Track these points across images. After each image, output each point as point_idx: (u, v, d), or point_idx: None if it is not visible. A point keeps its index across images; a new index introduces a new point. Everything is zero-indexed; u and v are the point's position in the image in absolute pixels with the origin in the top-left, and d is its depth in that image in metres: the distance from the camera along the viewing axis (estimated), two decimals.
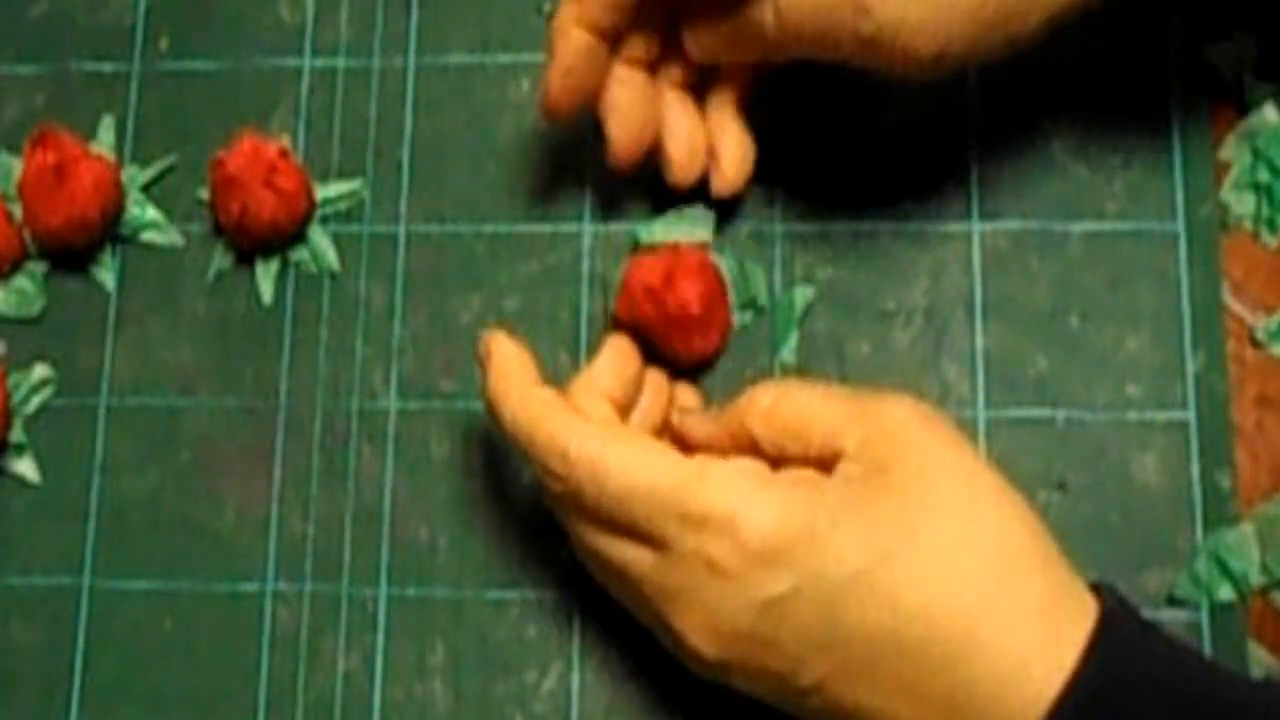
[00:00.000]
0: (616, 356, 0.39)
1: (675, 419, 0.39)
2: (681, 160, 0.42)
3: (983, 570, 0.33)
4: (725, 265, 0.42)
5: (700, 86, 0.42)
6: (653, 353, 0.41)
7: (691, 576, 0.34)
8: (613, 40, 0.40)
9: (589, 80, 0.40)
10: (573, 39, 0.39)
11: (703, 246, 0.42)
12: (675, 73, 0.41)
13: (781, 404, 0.36)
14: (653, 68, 0.41)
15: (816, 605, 0.33)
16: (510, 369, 0.37)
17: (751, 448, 0.36)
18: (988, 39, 0.36)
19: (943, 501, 0.34)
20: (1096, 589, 0.35)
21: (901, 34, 0.35)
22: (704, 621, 0.34)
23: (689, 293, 0.40)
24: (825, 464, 0.35)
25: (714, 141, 0.42)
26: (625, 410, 0.39)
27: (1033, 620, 0.33)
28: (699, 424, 0.38)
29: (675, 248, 0.41)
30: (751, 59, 0.40)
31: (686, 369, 0.42)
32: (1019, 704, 0.32)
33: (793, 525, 0.33)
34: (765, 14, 0.37)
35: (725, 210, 0.43)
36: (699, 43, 0.40)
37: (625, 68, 0.41)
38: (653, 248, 0.42)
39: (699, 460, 0.35)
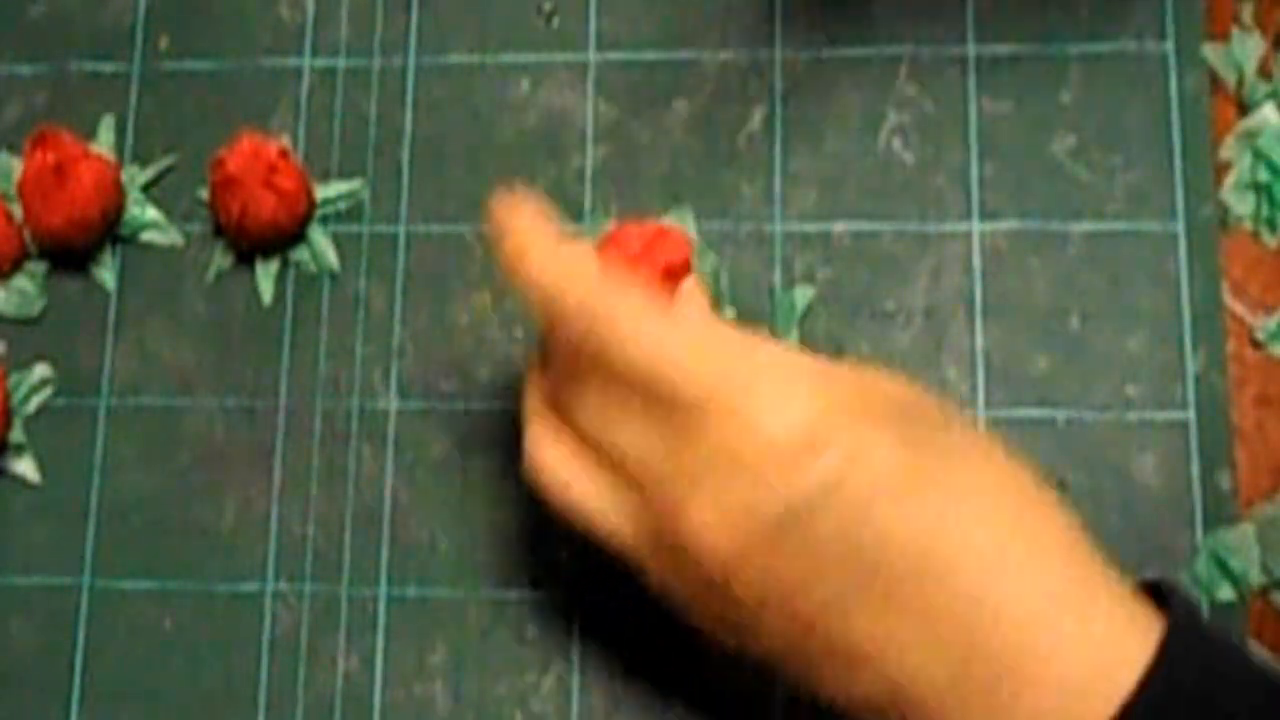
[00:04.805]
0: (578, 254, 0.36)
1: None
2: None
3: (1012, 511, 0.33)
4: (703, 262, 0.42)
5: None
6: None
7: (714, 462, 0.32)
8: None
9: None
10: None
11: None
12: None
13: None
14: None
15: (849, 508, 0.31)
16: (534, 229, 0.35)
17: None
18: None
19: (962, 440, 0.34)
20: (1155, 587, 0.34)
21: None
22: (721, 518, 0.32)
23: (674, 255, 0.39)
24: None
25: None
26: None
27: (1071, 583, 0.32)
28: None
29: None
30: None
31: None
32: (1054, 661, 0.31)
33: (831, 419, 0.32)
34: None
35: (725, 210, 0.44)
36: None
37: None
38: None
39: (749, 339, 0.34)
